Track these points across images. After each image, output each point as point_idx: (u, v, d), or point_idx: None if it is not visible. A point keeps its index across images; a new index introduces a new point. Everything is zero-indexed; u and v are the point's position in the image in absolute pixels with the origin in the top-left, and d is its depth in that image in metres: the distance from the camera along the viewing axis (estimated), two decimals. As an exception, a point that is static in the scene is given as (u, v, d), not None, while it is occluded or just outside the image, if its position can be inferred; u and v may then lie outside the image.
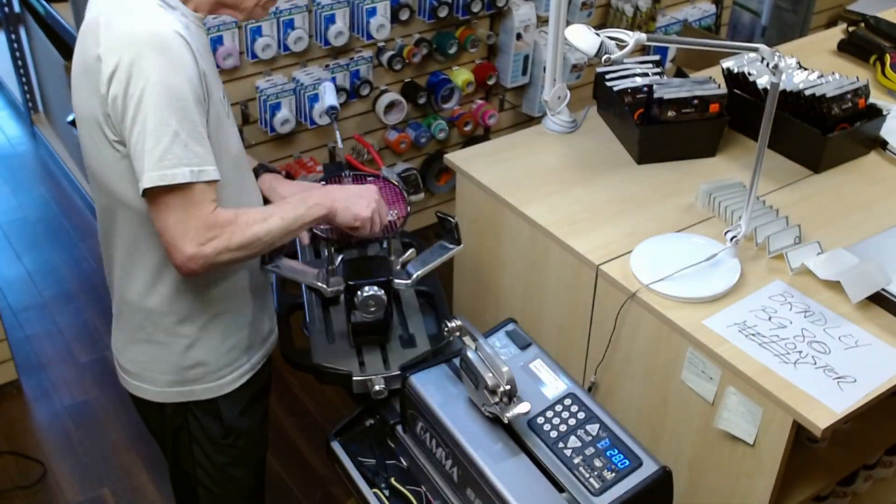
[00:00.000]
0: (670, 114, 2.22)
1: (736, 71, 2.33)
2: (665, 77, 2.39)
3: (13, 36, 4.05)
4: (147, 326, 1.68)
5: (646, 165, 2.27)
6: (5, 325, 2.87)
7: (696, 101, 2.22)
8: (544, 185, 2.18)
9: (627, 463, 1.52)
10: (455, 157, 2.29)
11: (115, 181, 1.55)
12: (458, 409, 1.63)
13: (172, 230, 1.47)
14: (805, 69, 2.36)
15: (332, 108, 2.05)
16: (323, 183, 1.88)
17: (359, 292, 1.71)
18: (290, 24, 2.83)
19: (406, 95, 3.20)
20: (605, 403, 1.85)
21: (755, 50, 1.78)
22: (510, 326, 1.77)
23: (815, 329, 1.78)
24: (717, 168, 2.27)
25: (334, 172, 1.97)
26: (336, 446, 1.80)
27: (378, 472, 1.74)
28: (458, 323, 1.62)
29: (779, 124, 1.92)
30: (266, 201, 1.78)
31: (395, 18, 3.00)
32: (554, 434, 1.58)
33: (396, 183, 1.93)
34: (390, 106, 3.16)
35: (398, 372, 1.75)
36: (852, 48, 2.79)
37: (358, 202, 1.66)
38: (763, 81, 2.28)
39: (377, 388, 1.74)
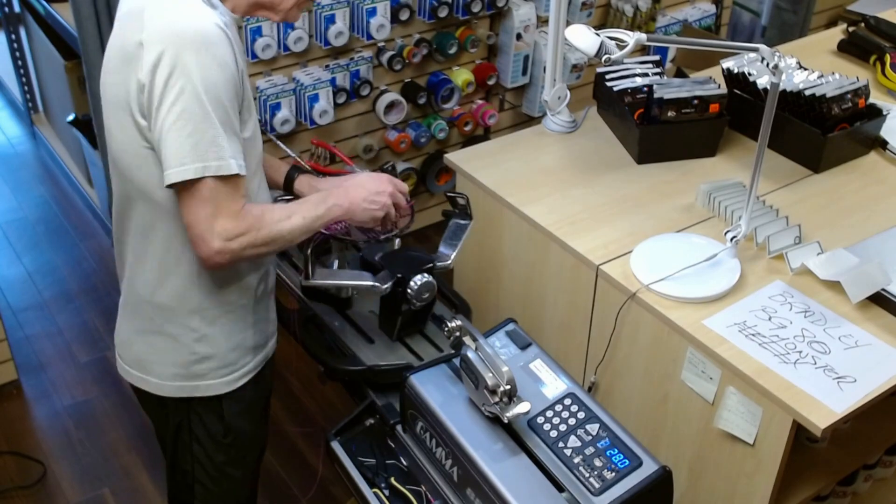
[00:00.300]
0: (670, 114, 2.22)
1: (736, 71, 2.33)
2: (665, 77, 2.40)
3: (13, 36, 4.05)
4: (156, 318, 1.68)
5: (646, 165, 2.27)
6: (5, 325, 2.87)
7: (696, 101, 2.22)
8: (544, 185, 2.18)
9: (627, 463, 1.52)
10: (455, 157, 2.29)
11: (136, 167, 1.55)
12: (458, 408, 1.63)
13: (203, 224, 1.48)
14: (805, 69, 2.36)
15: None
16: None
17: (412, 282, 1.76)
18: (290, 25, 2.83)
19: (406, 95, 3.20)
20: (605, 403, 1.85)
21: (755, 50, 1.78)
22: (510, 326, 1.77)
23: (815, 329, 1.78)
24: (716, 168, 2.27)
25: None
26: (336, 446, 1.80)
27: (378, 472, 1.74)
28: (458, 323, 1.62)
29: (779, 124, 1.92)
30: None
31: (395, 18, 3.00)
32: (554, 434, 1.58)
33: None
34: (390, 106, 3.16)
35: (452, 350, 1.77)
36: (852, 48, 2.79)
37: (375, 201, 1.70)
38: (763, 81, 2.28)
39: None
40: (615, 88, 2.35)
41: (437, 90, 3.24)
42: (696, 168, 2.26)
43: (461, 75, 3.28)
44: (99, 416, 2.89)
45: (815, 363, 1.71)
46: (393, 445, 1.77)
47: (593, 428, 1.59)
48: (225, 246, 1.50)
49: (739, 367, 1.70)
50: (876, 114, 2.30)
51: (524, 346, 1.73)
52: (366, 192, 1.70)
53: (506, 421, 1.53)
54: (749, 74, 2.31)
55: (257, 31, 2.79)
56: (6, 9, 4.06)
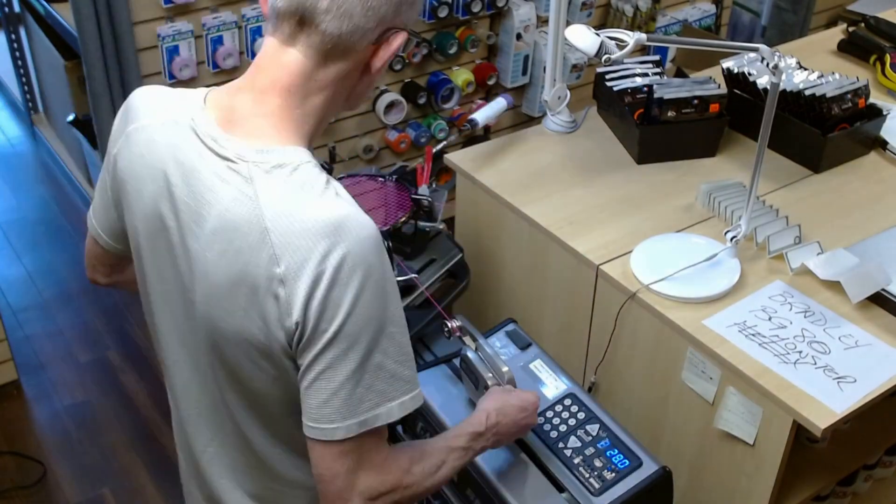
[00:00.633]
0: (670, 114, 2.22)
1: (736, 71, 2.33)
2: (665, 77, 2.40)
3: (13, 36, 4.05)
4: None
5: (646, 165, 2.27)
6: (5, 325, 2.87)
7: (696, 101, 2.22)
8: (544, 185, 2.18)
9: (627, 463, 1.53)
10: (455, 157, 2.29)
11: (256, 378, 1.23)
12: (458, 409, 1.63)
13: (341, 481, 1.18)
14: (805, 69, 2.36)
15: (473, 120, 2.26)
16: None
17: None
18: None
19: (406, 95, 3.20)
20: (605, 403, 1.85)
21: (755, 50, 1.78)
22: (510, 326, 1.77)
23: (815, 329, 1.78)
24: (716, 168, 2.27)
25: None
26: (336, 446, 1.79)
27: (378, 472, 1.73)
28: (458, 323, 1.62)
29: (779, 124, 1.92)
30: None
31: (395, 18, 3.00)
32: (554, 434, 1.58)
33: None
34: (390, 106, 3.16)
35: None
36: (852, 48, 2.79)
37: (520, 432, 1.49)
38: (763, 81, 2.28)
39: None
40: (615, 88, 2.35)
41: (437, 90, 3.24)
42: (696, 168, 2.26)
43: (461, 75, 3.29)
44: (99, 416, 2.89)
45: (815, 363, 1.71)
46: (393, 445, 1.77)
47: (593, 428, 1.59)
48: None
49: (739, 367, 1.70)
50: (876, 114, 2.30)
51: (524, 347, 1.73)
52: (515, 422, 1.44)
53: (506, 421, 1.53)
54: (749, 74, 2.31)
55: (257, 31, 2.79)
56: (6, 9, 4.06)
